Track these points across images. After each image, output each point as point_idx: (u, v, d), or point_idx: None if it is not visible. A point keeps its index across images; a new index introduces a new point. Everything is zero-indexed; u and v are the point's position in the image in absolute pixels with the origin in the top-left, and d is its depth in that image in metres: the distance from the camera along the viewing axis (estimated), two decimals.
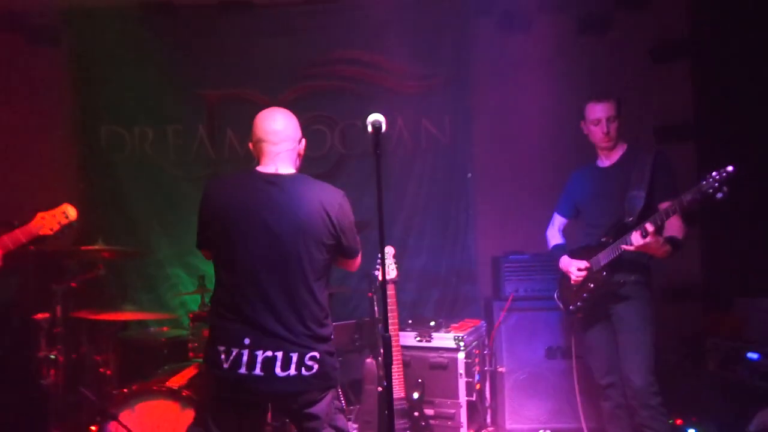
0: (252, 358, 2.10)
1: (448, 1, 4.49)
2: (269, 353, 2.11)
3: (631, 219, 2.69)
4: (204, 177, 4.51)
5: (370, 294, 3.53)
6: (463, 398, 3.17)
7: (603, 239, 2.79)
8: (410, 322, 3.56)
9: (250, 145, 2.41)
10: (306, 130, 4.29)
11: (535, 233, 4.12)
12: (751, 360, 3.25)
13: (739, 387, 3.26)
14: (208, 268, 4.26)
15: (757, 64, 3.71)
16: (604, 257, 2.76)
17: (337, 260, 2.34)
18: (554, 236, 3.14)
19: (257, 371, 2.10)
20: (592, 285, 2.82)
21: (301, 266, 2.17)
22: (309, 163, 4.36)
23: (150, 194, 4.49)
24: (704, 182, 2.32)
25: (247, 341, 2.11)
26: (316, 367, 2.14)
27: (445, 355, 3.22)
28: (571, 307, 2.94)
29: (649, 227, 2.47)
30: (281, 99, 4.52)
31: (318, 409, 2.19)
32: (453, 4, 4.48)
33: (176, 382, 3.03)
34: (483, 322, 3.64)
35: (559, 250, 3.05)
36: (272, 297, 2.14)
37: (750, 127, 3.76)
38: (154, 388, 3.02)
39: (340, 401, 2.81)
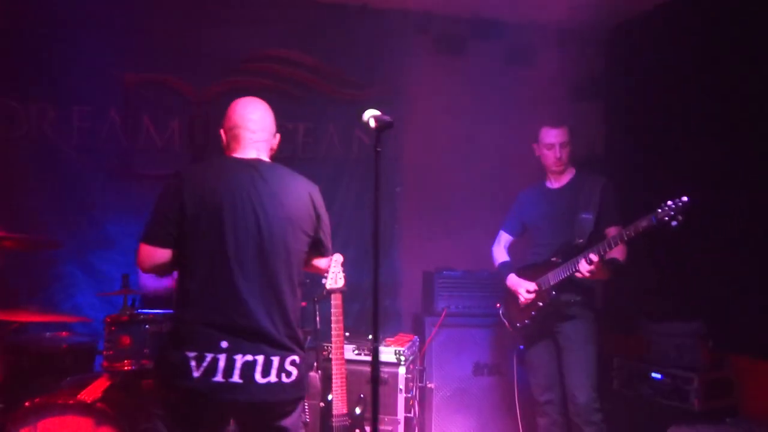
0: (230, 364, 1.89)
1: (389, 14, 4.49)
2: (249, 357, 1.91)
3: (581, 241, 2.83)
4: (114, 167, 4.08)
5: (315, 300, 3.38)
6: (401, 414, 3.11)
7: (553, 259, 2.90)
8: (347, 334, 3.45)
9: (222, 131, 2.25)
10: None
11: (459, 251, 4.25)
12: (655, 379, 3.53)
13: (644, 404, 3.53)
14: (111, 268, 3.93)
15: (662, 106, 4.09)
16: (553, 277, 2.87)
17: (310, 259, 2.20)
18: (500, 253, 3.22)
19: (235, 378, 1.89)
20: (540, 304, 2.91)
21: (288, 258, 2.03)
22: None
23: (49, 180, 3.95)
24: (660, 210, 2.50)
25: (224, 344, 1.89)
26: (294, 373, 1.98)
27: (385, 369, 3.15)
28: (518, 325, 3.02)
29: (594, 257, 2.61)
30: (208, 91, 4.25)
31: (289, 422, 2.03)
32: (394, 18, 4.48)
33: (89, 395, 2.67)
34: (416, 337, 3.63)
35: (506, 267, 3.13)
36: (258, 291, 1.96)
37: (653, 160, 4.12)
38: (62, 402, 2.64)
39: (305, 414, 2.64)
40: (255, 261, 1.98)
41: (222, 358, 1.88)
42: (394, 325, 4.32)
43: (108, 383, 2.79)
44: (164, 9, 4.13)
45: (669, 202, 2.49)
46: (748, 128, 3.14)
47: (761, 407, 3.00)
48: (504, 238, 3.25)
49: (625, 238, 2.63)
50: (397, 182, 4.58)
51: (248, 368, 1.90)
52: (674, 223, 2.46)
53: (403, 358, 3.19)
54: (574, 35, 4.79)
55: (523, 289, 2.96)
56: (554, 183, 3.13)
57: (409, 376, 3.20)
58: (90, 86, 4.07)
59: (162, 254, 2.01)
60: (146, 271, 2.06)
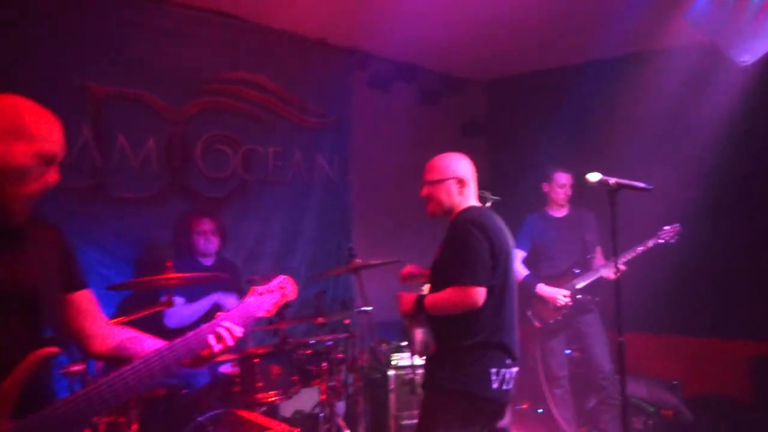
0: (510, 376, 2.34)
1: (336, 50, 4.88)
2: (514, 369, 2.39)
3: (590, 255, 3.88)
4: (87, 188, 3.60)
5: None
6: None
7: (575, 270, 3.87)
8: None
9: (454, 182, 2.52)
10: (208, 149, 4.09)
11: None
12: None
13: None
14: None
15: (532, 145, 5.40)
16: (579, 282, 3.84)
17: None
18: (521, 268, 4.03)
19: (508, 386, 2.35)
20: (570, 303, 3.85)
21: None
22: (208, 184, 4.11)
23: None
24: (662, 232, 3.68)
25: (508, 362, 2.34)
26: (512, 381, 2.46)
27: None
28: (551, 322, 3.91)
29: (622, 267, 3.63)
30: (183, 111, 4.06)
31: (506, 421, 2.53)
32: (339, 54, 4.89)
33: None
34: None
35: (532, 279, 3.97)
36: (514, 318, 2.43)
37: (521, 189, 5.36)
38: None
39: None
40: (511, 293, 2.45)
41: (507, 373, 2.35)
42: None
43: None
44: (133, 21, 3.80)
45: (667, 227, 3.69)
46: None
47: None
48: (519, 255, 4.07)
49: (639, 251, 3.69)
50: (350, 205, 4.97)
51: (512, 378, 2.39)
52: (673, 240, 3.65)
53: None
54: (467, 83, 5.88)
55: (560, 294, 3.85)
56: (557, 213, 4.12)
57: None
58: (58, 99, 3.48)
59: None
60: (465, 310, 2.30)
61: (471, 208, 2.49)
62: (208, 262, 3.66)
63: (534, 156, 5.12)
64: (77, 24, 3.55)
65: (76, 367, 2.19)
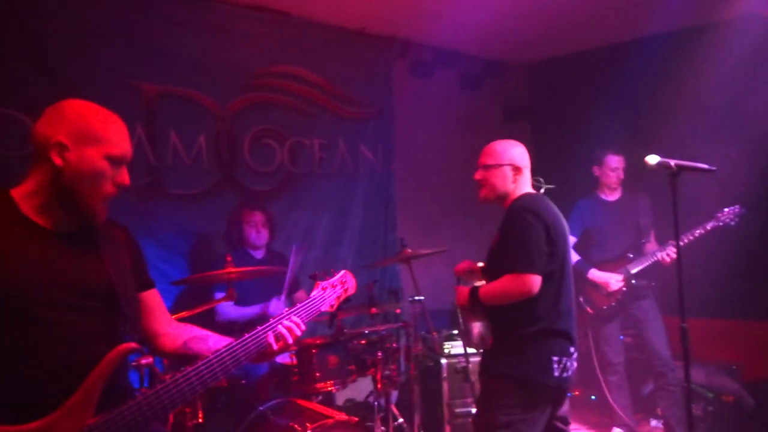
0: (571, 364, 2.32)
1: (376, 39, 4.86)
2: (575, 358, 2.37)
3: (644, 240, 3.78)
4: (144, 185, 3.70)
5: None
6: None
7: (629, 255, 3.79)
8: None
9: (510, 169, 2.49)
10: (255, 144, 4.13)
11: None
12: None
13: None
14: None
15: (576, 130, 5.28)
16: (633, 267, 3.76)
17: None
18: (573, 254, 3.97)
19: (568, 374, 2.33)
20: (624, 289, 3.78)
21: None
22: (257, 178, 4.16)
23: None
24: (721, 214, 3.56)
25: (571, 350, 2.32)
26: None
27: None
28: (604, 307, 3.84)
29: (673, 252, 3.53)
30: (230, 107, 4.12)
31: (565, 408, 2.51)
32: (380, 42, 4.88)
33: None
34: None
35: (584, 264, 3.91)
36: (572, 305, 2.40)
37: (568, 173, 5.26)
38: None
39: None
40: (570, 279, 2.43)
41: (568, 361, 2.33)
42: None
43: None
44: (181, 21, 3.87)
45: (726, 209, 3.57)
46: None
47: None
48: (570, 240, 4.01)
49: (697, 235, 3.58)
50: (395, 194, 4.98)
51: (573, 365, 2.37)
52: (733, 223, 3.54)
53: None
54: (508, 67, 5.78)
55: (614, 279, 3.78)
56: (609, 196, 4.03)
57: None
58: (111, 99, 3.58)
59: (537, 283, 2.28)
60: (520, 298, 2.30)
61: (526, 195, 2.46)
62: (259, 254, 3.73)
63: (581, 139, 5.01)
64: (127, 27, 3.65)
65: (145, 360, 2.26)
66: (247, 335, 1.64)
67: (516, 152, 2.50)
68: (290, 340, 1.69)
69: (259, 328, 1.66)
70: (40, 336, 1.44)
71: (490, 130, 5.76)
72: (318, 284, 1.85)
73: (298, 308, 1.74)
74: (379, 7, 4.33)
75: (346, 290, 1.91)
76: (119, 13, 3.62)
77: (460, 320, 2.54)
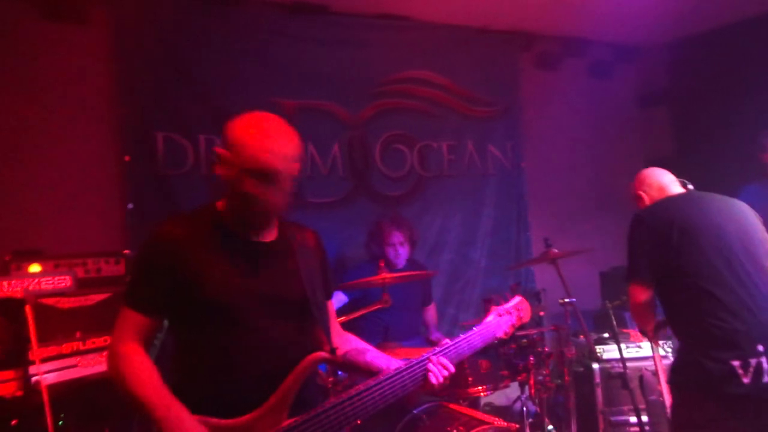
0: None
1: (499, 35, 4.74)
2: None
3: None
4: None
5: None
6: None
7: None
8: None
9: (643, 194, 2.47)
10: (386, 150, 4.15)
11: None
12: None
13: None
14: None
15: (724, 112, 4.78)
16: None
17: None
18: None
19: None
20: None
21: None
22: (389, 183, 4.18)
23: None
24: None
25: (760, 348, 2.05)
26: None
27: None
28: None
29: None
30: (361, 115, 4.20)
31: None
32: (503, 38, 4.75)
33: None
34: None
35: None
36: (754, 298, 2.13)
37: (718, 158, 4.80)
38: None
39: None
40: (736, 269, 2.18)
41: (764, 361, 2.03)
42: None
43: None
44: (310, 37, 4.01)
45: None
46: None
47: None
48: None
49: None
50: (525, 192, 4.83)
51: None
52: None
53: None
54: (641, 51, 5.41)
55: None
56: None
57: None
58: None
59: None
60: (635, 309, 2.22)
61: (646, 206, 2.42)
62: (400, 263, 3.74)
63: (733, 123, 4.57)
64: (261, 47, 3.85)
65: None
66: (415, 360, 1.63)
67: (643, 180, 2.52)
68: (434, 382, 1.63)
69: (424, 356, 1.64)
70: (248, 342, 1.53)
71: (624, 119, 5.46)
72: (493, 308, 1.82)
73: (473, 334, 1.72)
74: (501, 3, 4.22)
75: (520, 318, 1.88)
76: (253, 34, 3.83)
77: (614, 322, 2.42)
